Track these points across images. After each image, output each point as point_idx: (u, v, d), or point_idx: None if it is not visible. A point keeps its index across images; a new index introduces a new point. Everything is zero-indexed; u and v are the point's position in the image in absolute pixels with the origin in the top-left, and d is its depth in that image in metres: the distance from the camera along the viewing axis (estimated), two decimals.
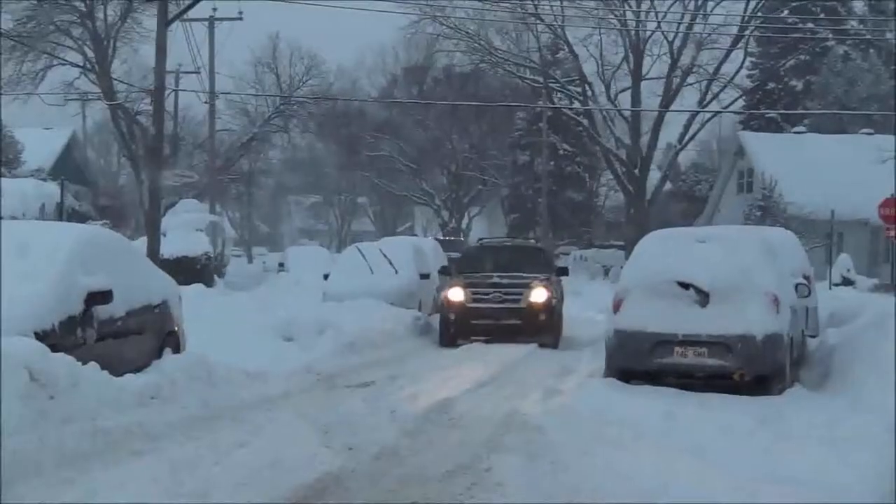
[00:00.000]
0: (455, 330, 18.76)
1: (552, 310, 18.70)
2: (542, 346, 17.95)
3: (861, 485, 7.18)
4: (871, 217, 30.67)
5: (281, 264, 40.15)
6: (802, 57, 50.14)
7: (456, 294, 18.86)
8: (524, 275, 19.11)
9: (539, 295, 18.63)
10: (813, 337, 14.85)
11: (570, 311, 27.10)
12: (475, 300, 18.67)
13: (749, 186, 41.77)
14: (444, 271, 22.04)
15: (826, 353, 13.58)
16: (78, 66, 39.80)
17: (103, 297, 9.64)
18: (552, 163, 54.10)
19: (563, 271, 21.47)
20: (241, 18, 38.55)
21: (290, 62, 55.36)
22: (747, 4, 45.28)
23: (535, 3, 45.64)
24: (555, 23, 46.52)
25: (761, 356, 11.44)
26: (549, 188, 51.86)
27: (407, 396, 11.51)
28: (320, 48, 65.04)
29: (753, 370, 11.53)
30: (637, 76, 46.44)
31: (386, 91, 63.65)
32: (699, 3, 45.32)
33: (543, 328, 18.52)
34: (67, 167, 43.27)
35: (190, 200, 34.43)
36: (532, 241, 23.02)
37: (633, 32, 45.90)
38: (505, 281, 18.91)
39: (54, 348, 8.42)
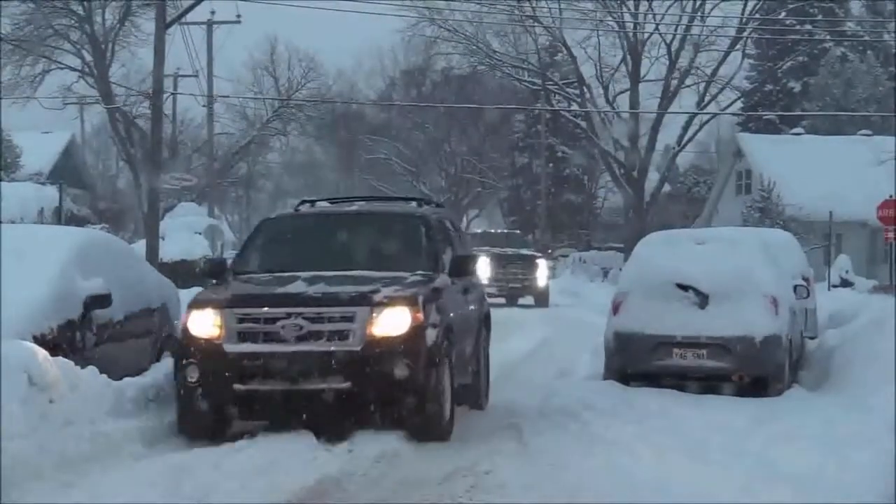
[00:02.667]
0: (205, 405, 8.95)
1: (427, 355, 8.81)
2: (411, 437, 8.79)
3: (861, 485, 7.18)
4: (869, 218, 30.68)
5: None
6: (800, 58, 50.14)
7: (201, 323, 8.97)
8: (372, 275, 9.41)
9: (393, 321, 8.78)
10: (812, 338, 14.84)
11: (569, 313, 26.97)
12: (245, 337, 8.84)
13: (747, 188, 41.78)
14: (213, 269, 10.42)
15: (825, 354, 13.57)
16: (76, 69, 39.78)
17: (102, 300, 9.65)
18: (551, 165, 54.15)
19: (464, 266, 10.30)
20: (239, 22, 38.62)
21: (288, 65, 55.37)
22: (745, 6, 45.34)
23: (534, 5, 45.67)
24: (553, 25, 46.53)
25: (760, 357, 11.44)
26: (547, 190, 51.94)
27: None
28: (318, 51, 64.97)
29: (752, 371, 11.53)
30: (635, 78, 46.44)
31: (384, 94, 63.67)
32: (697, 4, 45.36)
33: (404, 399, 8.82)
34: (66, 171, 43.22)
35: (189, 204, 34.46)
36: (419, 201, 11.59)
37: (631, 34, 45.91)
38: (319, 292, 9.07)
39: (53, 352, 8.42)
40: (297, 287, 9.17)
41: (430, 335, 8.84)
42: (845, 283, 29.45)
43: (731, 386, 11.58)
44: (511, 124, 57.97)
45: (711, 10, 45.59)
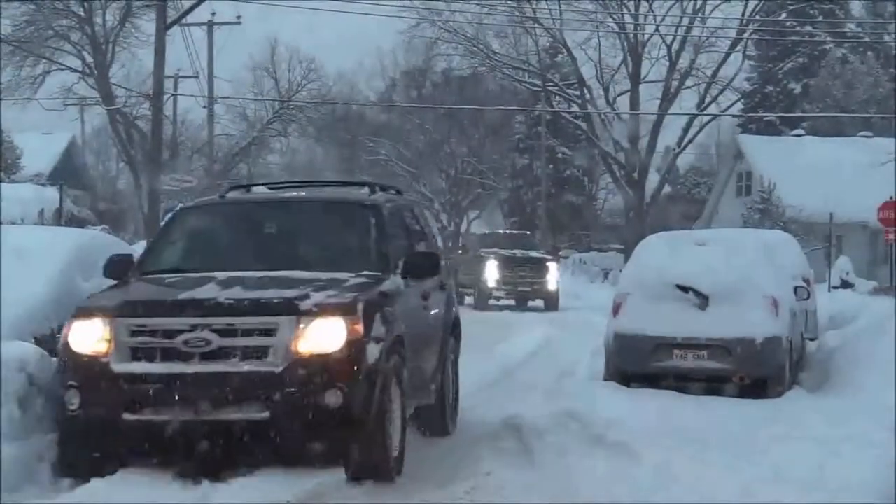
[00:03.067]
0: (89, 439, 7.31)
1: (368, 377, 7.22)
2: (352, 479, 7.26)
3: (861, 485, 7.18)
4: (870, 220, 30.69)
5: None
6: (801, 60, 50.15)
7: (85, 337, 7.42)
8: (305, 276, 7.82)
9: (324, 334, 7.20)
10: (812, 339, 14.84)
11: (570, 313, 26.99)
12: (138, 354, 7.27)
13: (748, 189, 41.78)
14: (115, 268, 8.58)
15: (825, 355, 13.57)
16: (77, 70, 39.79)
17: None
18: (551, 166, 54.13)
19: (422, 265, 8.70)
20: (239, 23, 38.66)
21: (288, 66, 55.35)
22: (745, 7, 45.35)
23: (534, 6, 45.69)
24: (553, 26, 46.54)
25: (761, 359, 11.43)
26: (548, 191, 51.91)
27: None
28: (319, 52, 65.03)
29: (753, 373, 11.52)
30: (635, 79, 46.43)
31: (385, 95, 63.67)
32: (697, 5, 45.37)
33: (338, 433, 7.17)
34: (66, 172, 43.31)
35: None
36: (372, 186, 9.47)
37: (631, 36, 45.92)
38: (233, 297, 7.38)
39: (53, 353, 8.42)
40: (208, 291, 7.40)
41: (373, 351, 7.16)
42: (846, 285, 29.44)
43: (732, 387, 11.56)
44: (511, 125, 57.96)
45: (712, 11, 45.61)
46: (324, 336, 7.10)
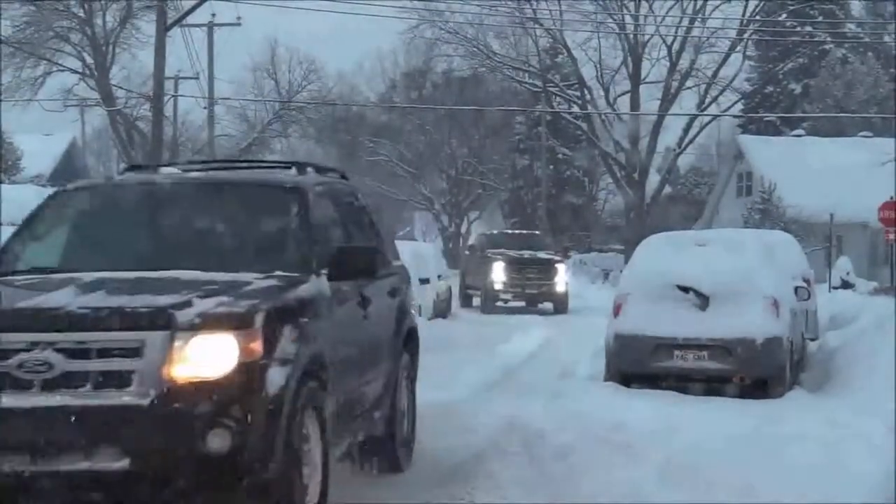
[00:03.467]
0: None
1: (268, 412, 5.41)
2: None
3: (861, 486, 7.18)
4: (870, 220, 30.70)
5: None
6: (801, 60, 50.22)
7: None
8: (198, 278, 6.04)
9: (208, 355, 5.36)
10: (813, 340, 14.85)
11: (569, 315, 26.96)
12: None
13: (748, 190, 41.79)
14: None
15: (826, 355, 13.58)
16: (77, 71, 39.88)
17: None
18: (551, 167, 54.16)
19: (356, 263, 6.78)
20: (239, 24, 38.66)
21: (289, 67, 55.41)
22: (746, 8, 45.40)
23: (534, 7, 45.75)
24: (553, 27, 46.60)
25: (761, 359, 11.44)
26: (548, 192, 51.92)
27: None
28: (319, 53, 65.21)
29: (753, 373, 11.53)
30: (636, 80, 46.50)
31: (385, 96, 63.74)
32: (697, 6, 45.41)
33: (225, 485, 5.32)
34: (67, 173, 43.25)
35: None
36: (301, 166, 7.74)
37: (631, 36, 45.96)
38: (88, 306, 5.48)
39: None
40: (58, 298, 5.58)
41: (276, 377, 5.41)
42: (846, 285, 29.42)
43: (732, 388, 11.58)
44: (512, 126, 58.01)
45: (712, 11, 45.69)
46: (207, 357, 5.28)
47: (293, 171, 7.62)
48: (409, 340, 8.34)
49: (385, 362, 7.69)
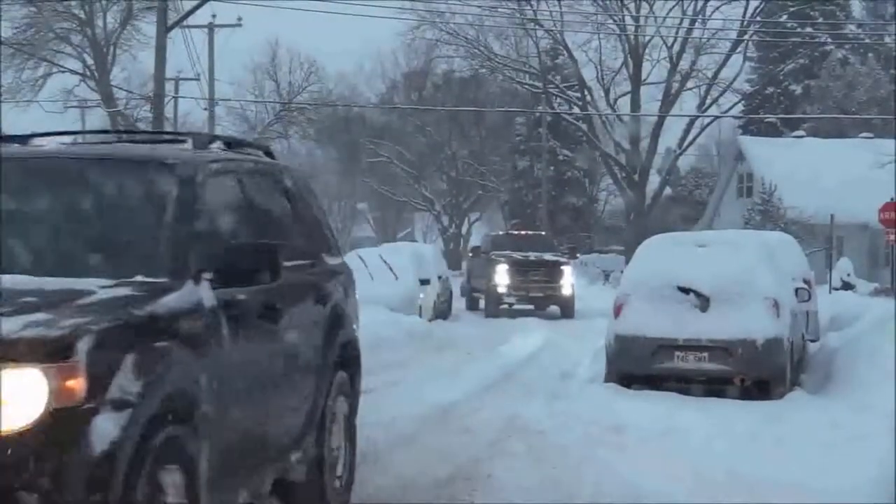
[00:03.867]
0: None
1: (91, 477, 3.81)
2: None
3: (862, 487, 7.19)
4: (870, 221, 30.68)
5: None
6: (801, 61, 50.23)
7: None
8: (24, 285, 4.39)
9: (4, 399, 3.70)
10: (813, 341, 14.85)
11: (569, 318, 26.88)
12: None
13: (749, 191, 41.79)
14: None
15: (826, 356, 13.57)
16: (77, 73, 39.88)
17: None
18: (552, 168, 54.16)
19: (249, 264, 5.06)
20: (240, 25, 38.65)
21: (289, 68, 55.47)
22: (746, 9, 45.43)
23: (535, 8, 45.75)
24: (554, 28, 46.61)
25: (762, 360, 11.44)
26: (548, 193, 51.90)
27: (408, 402, 11.50)
28: (319, 54, 65.07)
29: (754, 374, 11.54)
30: (636, 81, 46.53)
31: (385, 97, 63.74)
32: (698, 7, 45.44)
33: None
34: None
35: None
36: (197, 137, 5.93)
37: (632, 37, 45.98)
38: None
39: None
40: None
41: (106, 428, 3.89)
42: (847, 286, 29.44)
43: (733, 389, 11.59)
44: (512, 127, 58.03)
45: (712, 12, 45.73)
46: (8, 400, 3.74)
47: (188, 144, 5.93)
48: (344, 358, 6.63)
49: (306, 387, 6.08)
